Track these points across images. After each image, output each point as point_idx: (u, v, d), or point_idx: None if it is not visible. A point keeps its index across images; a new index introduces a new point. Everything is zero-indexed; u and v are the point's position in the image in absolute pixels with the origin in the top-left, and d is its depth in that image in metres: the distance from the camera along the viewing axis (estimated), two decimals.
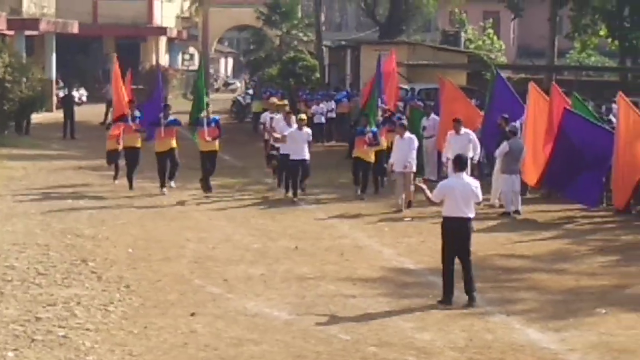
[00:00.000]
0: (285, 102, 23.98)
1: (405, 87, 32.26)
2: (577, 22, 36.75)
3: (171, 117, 21.40)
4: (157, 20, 57.66)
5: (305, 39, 52.89)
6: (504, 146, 19.17)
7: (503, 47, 48.87)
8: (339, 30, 73.20)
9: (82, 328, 11.09)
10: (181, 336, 10.92)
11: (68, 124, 34.37)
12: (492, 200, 19.91)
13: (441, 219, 12.73)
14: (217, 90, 68.45)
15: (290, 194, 20.81)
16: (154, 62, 55.70)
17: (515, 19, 45.10)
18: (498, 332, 11.32)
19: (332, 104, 34.09)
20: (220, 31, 67.57)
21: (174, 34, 60.30)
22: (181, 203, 20.19)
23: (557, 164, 18.92)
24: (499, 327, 11.55)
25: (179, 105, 35.79)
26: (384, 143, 21.52)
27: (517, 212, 19.22)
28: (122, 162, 22.39)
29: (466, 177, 12.82)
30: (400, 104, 27.79)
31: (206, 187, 21.16)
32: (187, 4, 63.48)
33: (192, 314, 11.75)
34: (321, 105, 33.59)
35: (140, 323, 11.36)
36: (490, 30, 49.30)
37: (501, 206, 19.64)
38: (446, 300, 12.39)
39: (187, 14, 63.44)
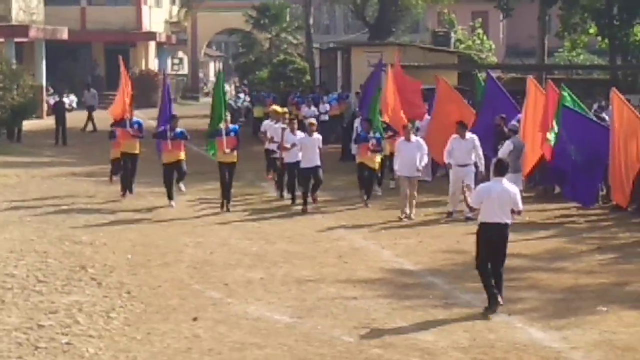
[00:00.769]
0: (285, 109, 23.28)
1: None
2: (567, 21, 36.80)
3: (178, 130, 20.43)
4: (146, 26, 57.60)
5: (294, 41, 52.96)
6: (508, 145, 18.99)
7: (493, 47, 48.95)
8: (328, 33, 73.29)
9: (85, 335, 11.09)
10: (184, 341, 10.92)
11: (60, 130, 34.28)
12: None
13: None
14: (207, 94, 68.38)
15: (293, 203, 20.36)
16: (143, 67, 55.73)
17: (504, 19, 45.15)
18: (500, 332, 11.35)
19: (327, 107, 34.08)
20: (209, 35, 67.61)
21: (163, 38, 60.26)
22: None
23: (555, 160, 18.95)
24: (501, 326, 11.57)
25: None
26: (387, 150, 21.16)
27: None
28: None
29: (506, 182, 12.41)
30: None
31: (225, 202, 20.02)
32: (175, 9, 63.47)
33: (195, 319, 11.75)
34: (312, 108, 33.56)
35: (143, 329, 11.35)
36: (480, 30, 49.37)
37: None
38: (492, 305, 12.02)
39: (175, 19, 63.40)
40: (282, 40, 54.13)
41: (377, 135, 20.63)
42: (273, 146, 21.53)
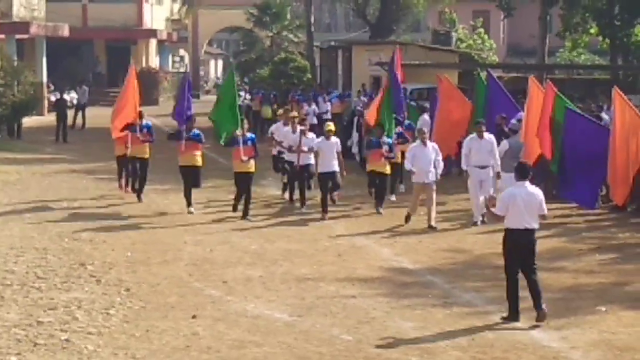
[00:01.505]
0: (295, 113, 22.67)
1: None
2: (568, 21, 36.81)
3: (195, 131, 19.47)
4: (147, 23, 57.65)
5: (296, 40, 52.98)
6: (504, 144, 18.93)
7: (494, 46, 48.95)
8: (329, 31, 73.24)
9: (84, 332, 11.09)
10: (183, 339, 10.92)
11: (61, 127, 34.27)
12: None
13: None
14: (208, 92, 68.41)
15: (302, 205, 19.89)
16: (144, 65, 55.71)
17: (505, 19, 45.15)
18: (499, 331, 11.34)
19: (328, 105, 34.08)
20: (210, 33, 67.60)
21: (164, 36, 60.27)
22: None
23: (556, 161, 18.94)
24: (500, 326, 11.57)
25: (169, 107, 35.65)
26: (398, 156, 20.47)
27: None
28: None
29: (529, 186, 11.88)
30: None
31: (244, 213, 19.00)
32: (176, 7, 63.46)
33: (194, 317, 11.75)
34: (313, 106, 33.56)
35: (142, 326, 11.35)
36: (481, 30, 49.37)
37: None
38: (512, 317, 11.65)
39: (176, 17, 63.38)
40: (283, 39, 54.16)
41: (389, 140, 19.83)
42: (282, 150, 20.96)
